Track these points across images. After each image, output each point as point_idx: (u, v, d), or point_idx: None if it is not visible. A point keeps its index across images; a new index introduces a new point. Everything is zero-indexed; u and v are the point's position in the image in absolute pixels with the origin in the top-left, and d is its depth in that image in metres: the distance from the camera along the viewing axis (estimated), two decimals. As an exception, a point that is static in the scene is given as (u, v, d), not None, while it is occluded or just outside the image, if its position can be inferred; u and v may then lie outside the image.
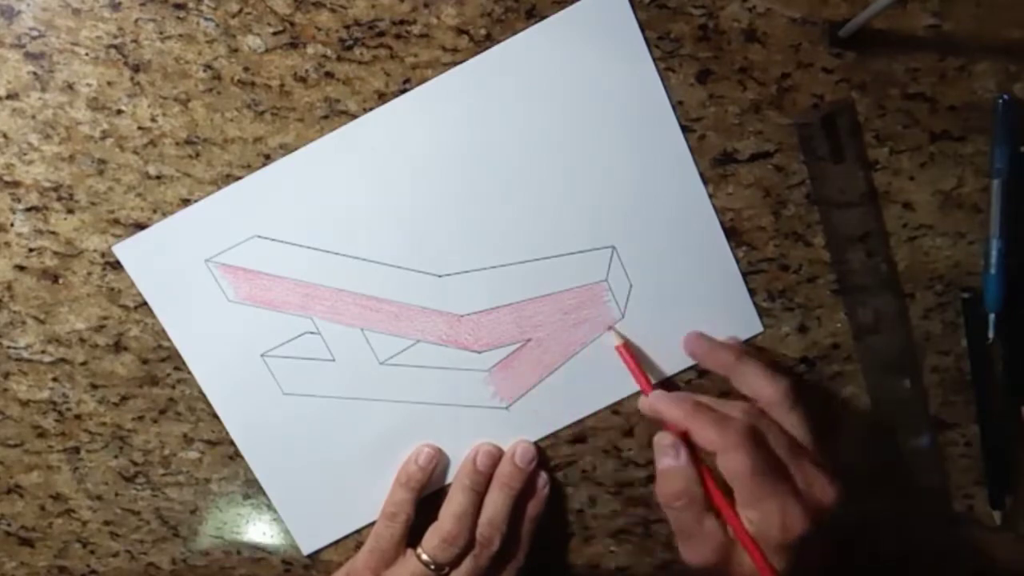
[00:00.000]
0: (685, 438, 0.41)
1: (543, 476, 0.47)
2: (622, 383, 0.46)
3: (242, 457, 0.47)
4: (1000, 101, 0.45)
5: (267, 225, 0.44)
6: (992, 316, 0.46)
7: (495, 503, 0.45)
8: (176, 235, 0.44)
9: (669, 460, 0.41)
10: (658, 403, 0.42)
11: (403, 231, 0.44)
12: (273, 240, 0.44)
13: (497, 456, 0.47)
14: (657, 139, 0.44)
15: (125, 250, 0.44)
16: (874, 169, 0.46)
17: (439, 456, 0.47)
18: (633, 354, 0.45)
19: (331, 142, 0.43)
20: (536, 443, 0.47)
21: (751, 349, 0.47)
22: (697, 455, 0.41)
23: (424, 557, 0.44)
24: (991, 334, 0.46)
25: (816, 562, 0.40)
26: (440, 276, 0.45)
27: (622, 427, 0.48)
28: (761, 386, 0.42)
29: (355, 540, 0.48)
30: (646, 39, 0.43)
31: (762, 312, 0.47)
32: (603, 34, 0.43)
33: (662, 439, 0.42)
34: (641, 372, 0.45)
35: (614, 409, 0.47)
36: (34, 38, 0.42)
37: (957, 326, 0.48)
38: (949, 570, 0.51)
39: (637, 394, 0.45)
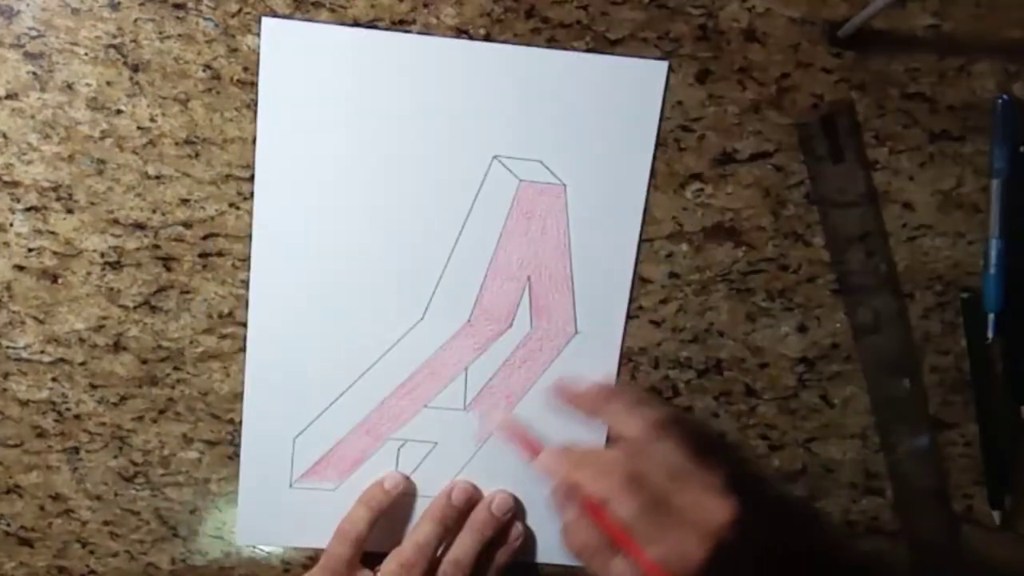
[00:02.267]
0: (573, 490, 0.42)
1: (518, 527, 0.47)
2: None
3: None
4: (999, 101, 0.45)
5: None
6: (991, 316, 0.46)
7: (464, 544, 0.45)
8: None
9: (567, 515, 0.42)
10: (544, 464, 0.43)
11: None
12: None
13: (472, 495, 0.47)
14: None
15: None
16: (874, 169, 0.46)
17: (406, 484, 0.47)
18: (513, 425, 0.46)
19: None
20: (515, 497, 0.47)
21: (619, 386, 0.47)
22: (594, 502, 0.41)
23: None
24: (990, 334, 0.46)
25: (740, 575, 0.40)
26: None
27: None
28: (626, 425, 0.43)
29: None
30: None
31: (762, 312, 0.47)
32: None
33: (557, 492, 0.43)
34: (524, 439, 0.46)
35: (614, 409, 0.47)
36: (33, 38, 0.42)
37: (956, 326, 0.48)
38: (948, 570, 0.51)
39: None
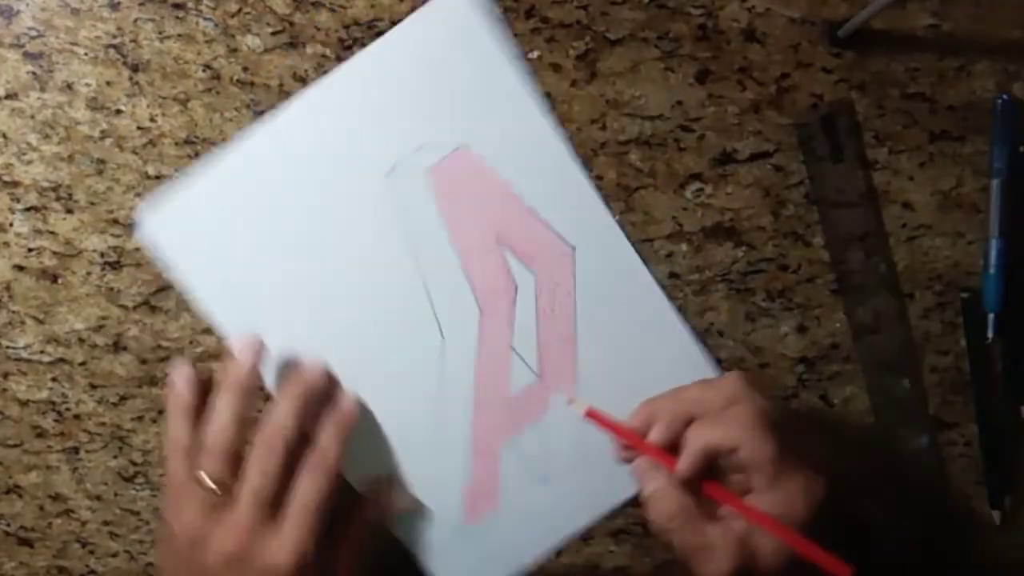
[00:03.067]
0: (660, 457, 0.41)
1: (348, 395, 0.43)
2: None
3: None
4: (999, 101, 0.45)
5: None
6: (991, 316, 0.46)
7: (281, 408, 0.41)
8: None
9: (653, 483, 0.40)
10: (648, 464, 0.41)
11: None
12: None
13: (261, 351, 0.42)
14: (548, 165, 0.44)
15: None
16: (873, 169, 0.46)
17: (197, 377, 0.42)
18: (602, 415, 0.43)
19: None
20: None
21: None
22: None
23: (203, 480, 0.40)
24: (990, 334, 0.46)
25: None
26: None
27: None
28: (710, 396, 0.41)
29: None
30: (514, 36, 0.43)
31: (761, 312, 0.47)
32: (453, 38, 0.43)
33: (640, 464, 0.41)
34: (620, 429, 0.42)
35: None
36: (33, 38, 0.42)
37: (956, 326, 0.48)
38: (949, 570, 0.51)
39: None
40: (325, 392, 0.43)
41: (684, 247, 0.46)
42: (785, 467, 0.38)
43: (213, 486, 0.40)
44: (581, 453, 0.46)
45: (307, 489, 0.40)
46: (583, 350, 0.46)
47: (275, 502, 0.40)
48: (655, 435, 0.41)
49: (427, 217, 0.44)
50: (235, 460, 0.40)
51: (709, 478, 0.40)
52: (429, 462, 0.45)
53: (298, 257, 0.43)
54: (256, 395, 0.41)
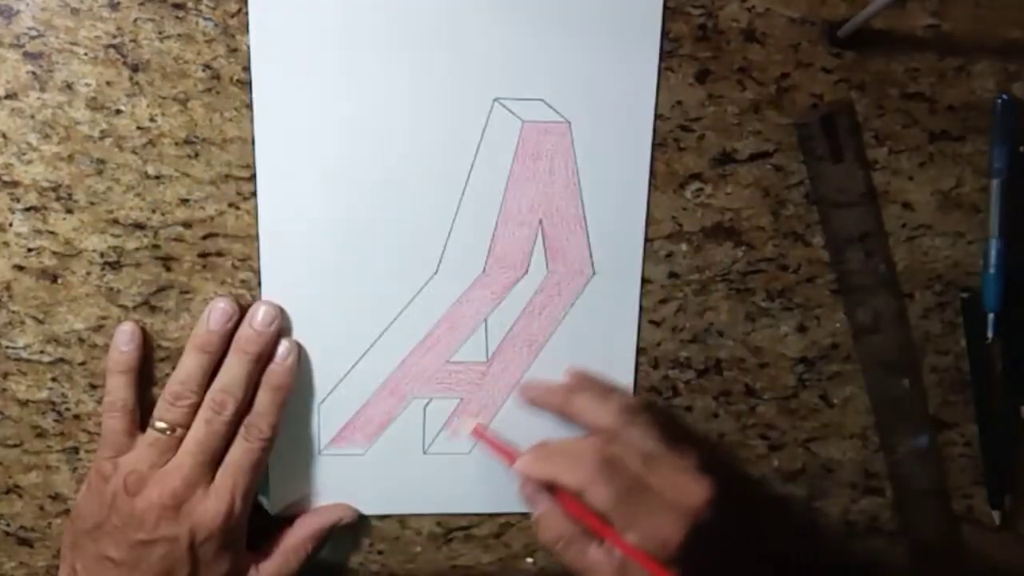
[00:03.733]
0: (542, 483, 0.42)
1: (285, 343, 0.44)
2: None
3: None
4: (999, 101, 0.45)
5: None
6: (991, 316, 0.46)
7: (230, 368, 0.43)
8: None
9: (537, 507, 0.42)
10: (521, 469, 0.42)
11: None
12: None
13: (233, 315, 0.44)
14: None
15: None
16: (873, 169, 0.46)
17: (141, 338, 0.44)
18: (486, 434, 0.46)
19: None
20: (280, 308, 0.44)
21: (587, 375, 0.47)
22: (565, 493, 0.41)
23: (156, 423, 0.43)
24: (990, 334, 0.46)
25: (719, 558, 0.40)
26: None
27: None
28: (595, 415, 0.43)
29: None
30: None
31: (761, 312, 0.47)
32: None
33: (525, 488, 0.43)
34: (499, 447, 0.45)
35: (613, 409, 0.47)
36: (33, 38, 0.42)
37: (956, 326, 0.48)
38: (949, 570, 0.51)
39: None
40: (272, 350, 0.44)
41: (684, 247, 0.46)
42: (634, 509, 0.39)
43: (167, 428, 0.42)
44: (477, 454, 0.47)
45: (241, 451, 0.43)
46: (540, 365, 0.46)
47: (215, 458, 0.43)
48: (519, 466, 0.43)
49: (498, 160, 0.44)
50: (189, 411, 0.43)
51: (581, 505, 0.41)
52: (340, 374, 0.46)
53: (361, 120, 0.43)
54: (219, 355, 0.43)
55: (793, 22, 0.44)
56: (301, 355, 0.45)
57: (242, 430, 0.43)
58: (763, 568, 0.47)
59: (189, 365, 0.43)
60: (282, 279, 0.44)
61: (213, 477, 0.43)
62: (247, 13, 0.42)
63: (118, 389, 0.44)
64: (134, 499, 0.41)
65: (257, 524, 0.46)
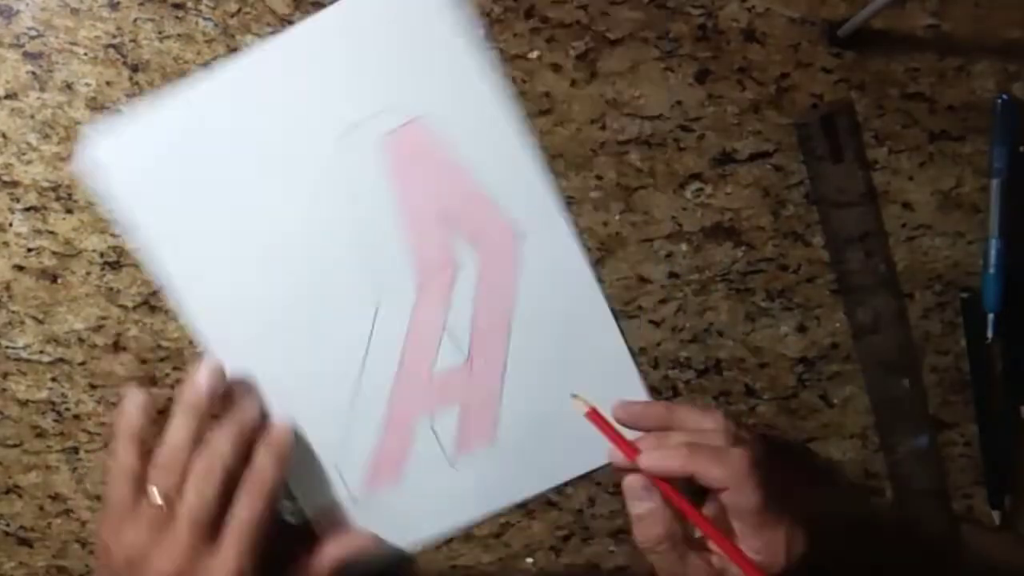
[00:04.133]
0: (655, 478, 0.40)
1: (280, 421, 0.44)
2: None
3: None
4: (999, 101, 0.45)
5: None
6: (991, 316, 0.46)
7: (218, 433, 0.42)
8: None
9: (645, 504, 0.40)
10: (651, 464, 0.40)
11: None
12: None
13: (222, 376, 0.43)
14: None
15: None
16: (873, 169, 0.46)
17: (150, 404, 0.43)
18: (605, 419, 0.42)
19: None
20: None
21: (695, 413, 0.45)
22: (675, 491, 0.40)
23: (150, 494, 0.41)
24: (990, 334, 0.46)
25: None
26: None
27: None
28: (705, 424, 0.41)
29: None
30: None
31: (761, 312, 0.47)
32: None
33: (633, 483, 0.40)
34: (619, 437, 0.41)
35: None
36: (33, 38, 0.42)
37: (956, 326, 0.48)
38: (948, 570, 0.51)
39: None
40: (262, 419, 0.44)
41: (684, 247, 0.46)
42: (769, 518, 0.38)
43: (160, 501, 0.41)
44: (499, 442, 0.46)
45: (243, 510, 0.41)
46: (516, 342, 0.46)
47: (214, 524, 0.41)
48: (649, 460, 0.40)
49: (376, 184, 0.44)
50: (183, 479, 0.41)
51: (696, 507, 0.40)
52: (342, 426, 0.46)
53: (242, 209, 0.43)
54: (210, 419, 0.42)
55: (793, 22, 0.44)
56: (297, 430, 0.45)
57: (244, 488, 0.42)
58: None
59: (178, 429, 0.42)
60: (242, 366, 0.44)
61: (215, 538, 0.41)
62: (248, 14, 0.42)
63: (126, 454, 0.42)
64: (140, 575, 0.40)
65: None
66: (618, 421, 0.43)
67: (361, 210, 0.44)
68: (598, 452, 0.42)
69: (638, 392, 0.46)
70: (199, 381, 0.42)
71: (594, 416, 0.42)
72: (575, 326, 0.46)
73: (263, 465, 0.43)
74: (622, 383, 0.46)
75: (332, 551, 0.45)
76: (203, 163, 0.43)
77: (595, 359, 0.46)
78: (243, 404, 0.43)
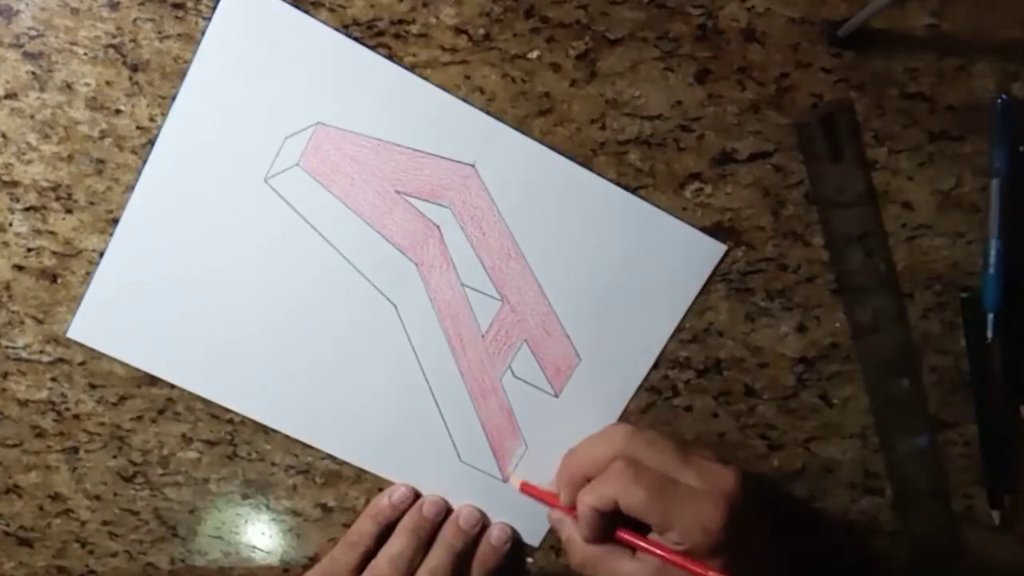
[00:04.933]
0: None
1: (502, 531, 0.47)
2: None
3: (241, 457, 0.47)
4: (999, 101, 0.45)
5: None
6: (991, 316, 0.46)
7: (437, 557, 0.45)
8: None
9: (563, 533, 0.44)
10: (571, 503, 0.43)
11: None
12: None
13: (443, 507, 0.47)
14: None
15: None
16: (873, 169, 0.46)
17: (411, 496, 0.47)
18: (534, 488, 0.46)
19: None
20: (481, 511, 0.47)
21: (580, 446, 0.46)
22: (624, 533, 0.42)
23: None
24: (990, 334, 0.46)
25: (759, 544, 0.41)
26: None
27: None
28: (602, 452, 0.43)
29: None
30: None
31: (761, 312, 0.47)
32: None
33: (552, 514, 0.45)
34: (545, 495, 0.46)
35: (613, 409, 0.47)
36: (33, 38, 0.42)
37: (956, 326, 0.48)
38: (949, 570, 0.51)
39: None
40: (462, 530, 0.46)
41: (684, 247, 0.46)
42: (671, 503, 0.40)
43: None
44: (584, 354, 0.46)
45: None
46: (532, 254, 0.45)
47: None
48: (563, 500, 0.44)
49: (322, 203, 0.44)
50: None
51: (621, 524, 0.42)
52: (443, 433, 0.46)
53: (222, 294, 0.44)
54: (426, 545, 0.46)
55: (793, 22, 0.44)
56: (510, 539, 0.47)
57: None
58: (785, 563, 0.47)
59: (402, 546, 0.45)
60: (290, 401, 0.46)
61: None
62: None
63: (366, 535, 0.45)
64: None
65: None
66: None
67: (325, 232, 0.44)
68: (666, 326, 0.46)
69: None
70: (427, 512, 0.46)
71: (526, 488, 0.46)
72: (581, 210, 0.45)
73: (487, 571, 0.46)
74: (667, 230, 0.46)
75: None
76: (166, 278, 0.44)
77: (610, 224, 0.45)
78: (461, 530, 0.46)
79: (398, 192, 0.44)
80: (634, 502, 0.40)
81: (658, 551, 0.40)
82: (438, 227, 0.45)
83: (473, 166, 0.44)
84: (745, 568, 0.40)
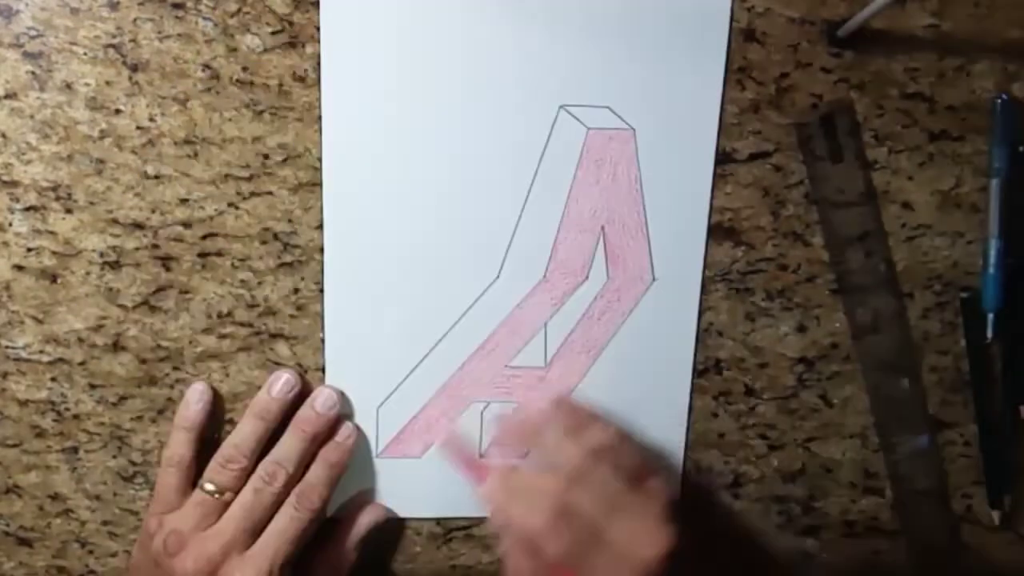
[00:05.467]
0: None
1: (349, 426, 0.45)
2: None
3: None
4: (998, 101, 0.45)
5: None
6: (991, 316, 0.46)
7: (285, 443, 0.44)
8: None
9: (503, 544, 0.42)
10: (488, 497, 0.43)
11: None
12: None
13: (295, 386, 0.45)
14: None
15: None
16: (873, 169, 0.46)
17: (211, 397, 0.45)
18: (457, 449, 0.46)
19: None
20: (342, 393, 0.46)
21: (566, 403, 0.46)
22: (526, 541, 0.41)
23: (205, 485, 0.43)
24: (990, 334, 0.46)
25: None
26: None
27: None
28: (561, 455, 0.42)
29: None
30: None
31: (761, 312, 0.47)
32: None
33: (493, 520, 0.43)
34: (470, 465, 0.46)
35: (613, 409, 0.47)
36: (32, 37, 0.42)
37: (956, 326, 0.48)
38: (948, 570, 0.51)
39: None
40: (331, 426, 0.45)
41: (684, 247, 0.46)
42: (590, 557, 0.39)
43: (212, 488, 0.43)
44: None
45: (285, 520, 0.43)
46: (597, 372, 0.47)
47: (257, 528, 0.43)
48: (486, 493, 0.43)
49: (562, 166, 0.44)
50: (239, 476, 0.43)
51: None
52: (399, 377, 0.46)
53: (429, 124, 0.43)
54: (275, 426, 0.44)
55: (793, 22, 0.44)
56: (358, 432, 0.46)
57: (292, 498, 0.43)
58: None
59: (246, 431, 0.44)
60: (345, 280, 0.45)
61: (252, 545, 0.43)
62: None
63: (179, 445, 0.44)
64: (172, 560, 0.42)
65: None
66: (495, 437, 0.46)
67: (533, 186, 0.44)
68: None
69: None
70: (274, 387, 0.44)
71: (447, 442, 0.46)
72: (658, 392, 0.47)
73: (316, 481, 0.44)
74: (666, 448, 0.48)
75: (350, 535, 0.46)
76: (417, 64, 0.43)
77: (653, 419, 0.47)
78: (319, 421, 0.45)
79: (602, 227, 0.45)
80: (552, 550, 0.39)
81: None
82: (587, 277, 0.46)
83: (653, 280, 0.46)
84: None
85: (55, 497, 0.47)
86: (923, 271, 0.47)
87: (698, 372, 0.48)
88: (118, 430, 0.46)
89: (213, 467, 0.43)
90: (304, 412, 0.45)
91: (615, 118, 0.44)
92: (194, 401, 0.45)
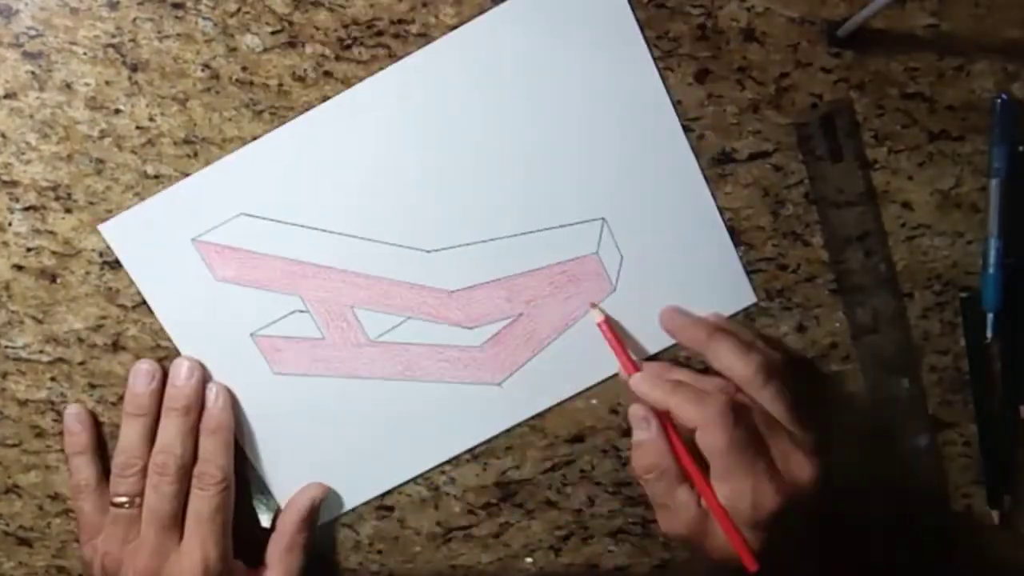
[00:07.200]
0: (654, 411, 0.42)
1: (213, 387, 0.45)
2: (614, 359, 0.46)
3: (240, 457, 0.47)
4: (998, 101, 0.45)
5: (253, 203, 0.44)
6: (990, 316, 0.46)
7: (163, 429, 0.44)
8: (162, 214, 0.43)
9: (641, 433, 0.42)
10: (639, 385, 0.42)
11: (391, 206, 0.44)
12: (259, 218, 0.44)
13: (155, 373, 0.44)
14: (645, 111, 0.44)
15: (111, 230, 0.43)
16: (873, 168, 0.46)
17: (91, 418, 0.45)
18: (615, 331, 0.45)
19: (317, 115, 0.43)
20: (199, 361, 0.45)
21: (733, 323, 0.46)
22: (671, 427, 0.41)
23: (114, 499, 0.43)
24: (989, 334, 0.46)
25: (792, 541, 0.40)
26: (429, 252, 0.44)
27: (620, 427, 0.48)
28: (732, 364, 0.42)
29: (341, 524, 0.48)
30: (634, 14, 0.43)
31: (761, 312, 0.47)
32: (587, 7, 0.43)
33: (636, 412, 0.42)
34: (623, 351, 0.44)
35: (612, 408, 0.47)
36: (32, 37, 0.42)
37: (955, 325, 0.48)
38: (949, 570, 0.51)
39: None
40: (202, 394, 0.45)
41: (683, 247, 0.46)
42: (736, 466, 0.38)
43: (124, 500, 0.43)
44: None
45: (196, 501, 0.43)
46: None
47: (176, 519, 0.43)
48: (637, 384, 0.42)
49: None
50: (141, 478, 0.43)
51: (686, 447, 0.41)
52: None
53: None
54: (155, 418, 0.44)
55: (792, 22, 0.44)
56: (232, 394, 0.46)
57: (194, 480, 0.43)
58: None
59: (128, 433, 0.44)
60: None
61: (182, 535, 0.43)
62: (247, 13, 0.42)
63: (79, 470, 0.45)
64: None
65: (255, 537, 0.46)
66: (661, 325, 0.46)
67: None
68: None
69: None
70: (135, 382, 0.44)
71: (604, 327, 0.44)
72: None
73: (207, 455, 0.44)
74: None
75: (290, 516, 0.46)
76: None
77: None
78: (183, 393, 0.44)
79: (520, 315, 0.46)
80: (711, 442, 0.38)
81: (712, 499, 0.39)
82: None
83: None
84: (777, 553, 0.39)
85: (55, 497, 0.47)
86: (923, 271, 0.47)
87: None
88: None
89: (114, 479, 0.44)
90: (168, 391, 0.44)
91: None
92: (74, 426, 0.45)
